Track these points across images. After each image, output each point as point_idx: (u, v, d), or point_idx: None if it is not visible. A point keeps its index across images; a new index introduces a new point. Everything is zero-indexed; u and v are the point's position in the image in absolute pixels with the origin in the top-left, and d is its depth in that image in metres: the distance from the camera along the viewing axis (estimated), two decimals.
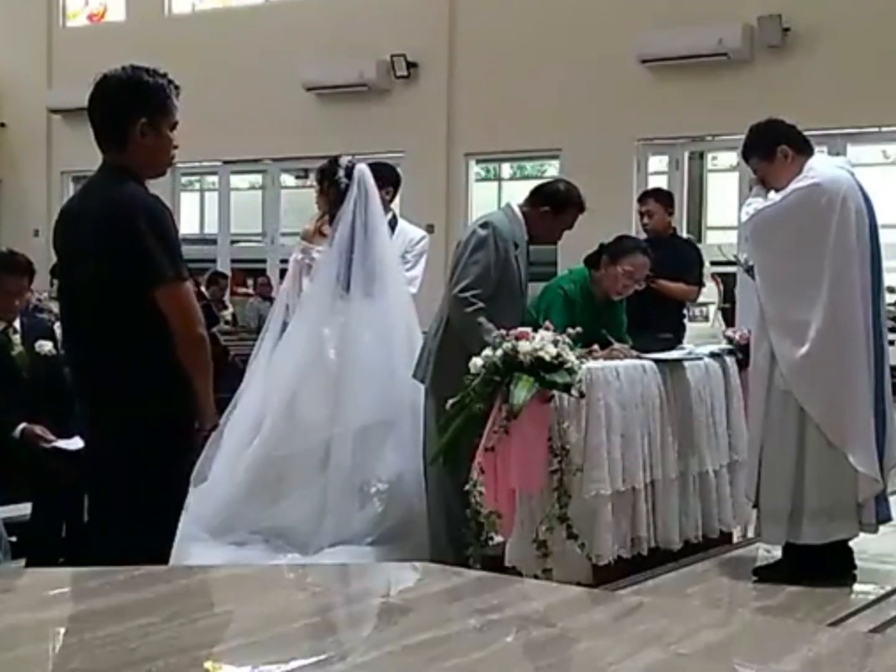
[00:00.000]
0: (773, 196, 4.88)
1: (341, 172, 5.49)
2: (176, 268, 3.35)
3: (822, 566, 4.79)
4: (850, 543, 4.92)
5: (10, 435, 4.98)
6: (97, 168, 3.57)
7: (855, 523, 4.77)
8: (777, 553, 5.01)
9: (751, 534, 5.40)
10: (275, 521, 5.26)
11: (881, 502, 4.82)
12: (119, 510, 3.48)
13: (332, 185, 5.54)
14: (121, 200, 3.40)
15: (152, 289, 3.32)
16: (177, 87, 3.51)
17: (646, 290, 5.89)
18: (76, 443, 4.87)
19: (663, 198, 6.97)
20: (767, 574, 4.88)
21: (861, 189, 4.84)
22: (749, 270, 4.98)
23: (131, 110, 3.43)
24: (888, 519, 4.87)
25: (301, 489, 5.29)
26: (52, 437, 5.01)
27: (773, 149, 4.84)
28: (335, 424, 5.29)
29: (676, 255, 6.61)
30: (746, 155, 4.97)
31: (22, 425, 4.99)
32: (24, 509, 5.30)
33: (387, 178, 5.93)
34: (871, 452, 4.70)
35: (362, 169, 5.54)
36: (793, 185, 4.74)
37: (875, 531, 4.85)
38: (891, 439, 4.81)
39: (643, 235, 6.96)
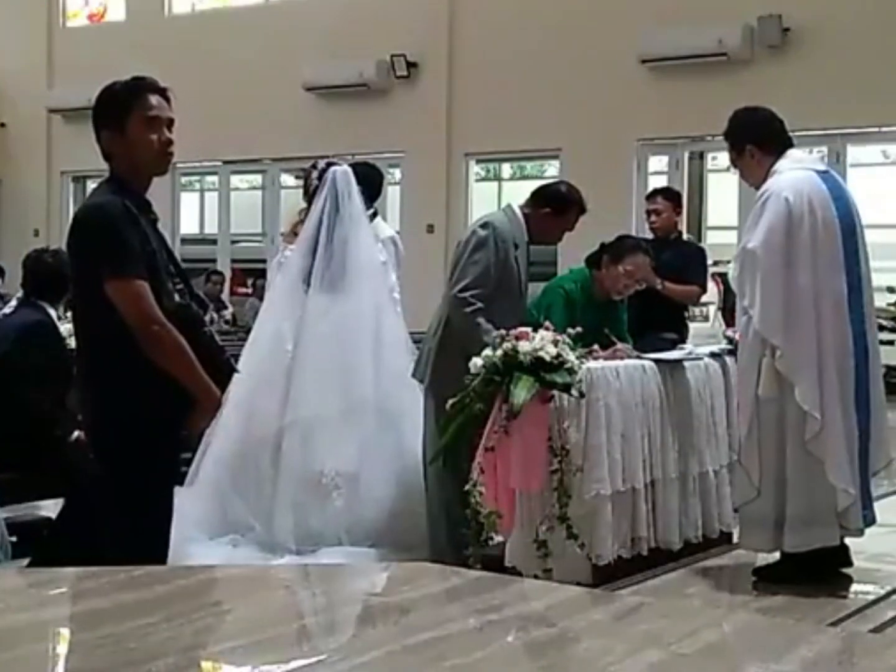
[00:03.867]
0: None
1: (314, 174, 5.60)
2: (117, 265, 3.42)
3: (821, 566, 4.78)
4: (849, 543, 4.92)
5: (68, 440, 4.97)
6: None
7: (834, 530, 4.70)
8: (777, 553, 5.01)
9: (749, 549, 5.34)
10: (235, 516, 5.32)
11: (867, 506, 4.77)
12: (103, 509, 3.57)
13: (306, 188, 5.69)
14: (84, 207, 3.63)
15: (103, 286, 3.42)
16: (139, 82, 3.57)
17: (651, 291, 5.89)
18: None
19: (672, 196, 6.89)
20: (767, 574, 4.87)
21: (835, 189, 4.72)
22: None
23: (97, 127, 3.60)
24: (873, 522, 4.83)
25: (255, 482, 5.36)
26: None
27: (742, 146, 4.79)
28: (285, 416, 5.36)
29: (682, 257, 6.59)
30: (724, 137, 4.92)
31: (77, 433, 5.00)
32: (26, 509, 5.32)
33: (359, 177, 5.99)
34: (842, 464, 4.60)
35: (337, 171, 5.59)
36: (764, 205, 4.62)
37: (861, 535, 4.80)
38: (877, 443, 4.77)
39: (649, 235, 6.94)
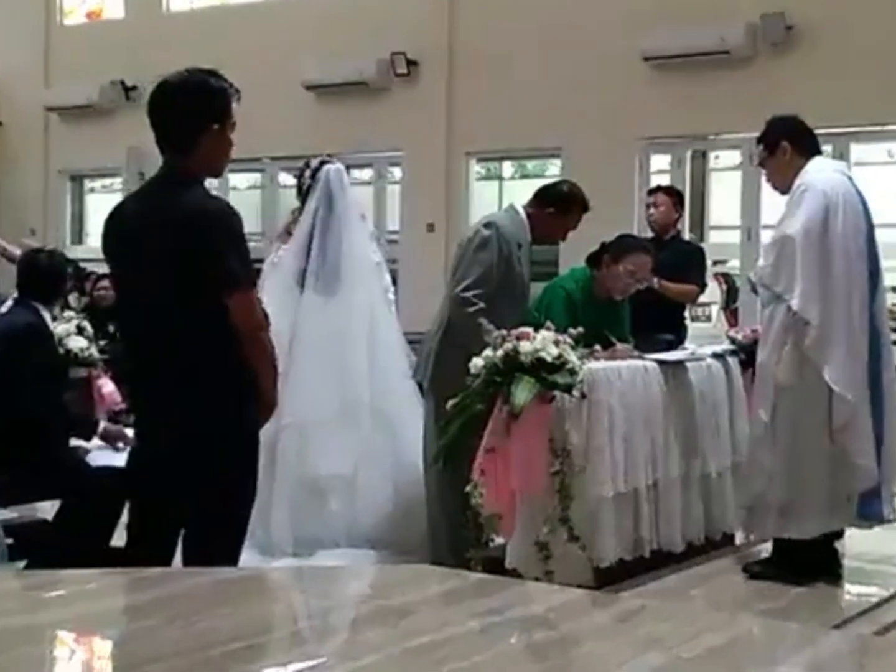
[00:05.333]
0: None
1: (307, 173, 5.57)
2: (249, 274, 3.41)
3: (811, 564, 4.77)
4: (855, 543, 4.91)
5: (66, 441, 4.96)
6: (159, 169, 3.53)
7: (848, 517, 4.76)
8: (768, 552, 5.01)
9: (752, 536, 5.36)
10: None
11: (883, 502, 4.79)
12: (195, 516, 3.48)
13: (299, 187, 5.64)
14: (194, 205, 3.40)
15: (226, 294, 3.33)
16: (237, 91, 3.58)
17: (647, 291, 5.87)
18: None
19: (673, 193, 6.93)
20: (757, 570, 4.89)
21: (858, 192, 4.86)
22: (753, 288, 5.02)
23: (202, 116, 3.47)
24: (889, 520, 4.85)
25: None
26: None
27: (776, 142, 4.92)
28: (281, 418, 5.30)
29: (680, 256, 6.58)
30: (758, 141, 5.07)
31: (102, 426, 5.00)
32: (23, 511, 5.30)
33: None
34: (870, 444, 4.67)
35: (330, 169, 5.57)
36: (801, 196, 4.72)
37: (870, 527, 4.84)
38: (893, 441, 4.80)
39: (648, 232, 6.94)
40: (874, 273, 4.82)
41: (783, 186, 4.90)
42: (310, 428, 5.34)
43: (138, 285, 3.49)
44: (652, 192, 7.00)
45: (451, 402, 4.53)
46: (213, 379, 3.39)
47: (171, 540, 3.53)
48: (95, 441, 4.98)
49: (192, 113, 3.46)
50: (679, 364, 5.25)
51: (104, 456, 4.96)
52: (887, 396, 4.80)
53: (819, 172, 4.82)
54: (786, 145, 4.87)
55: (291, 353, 5.40)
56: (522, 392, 4.37)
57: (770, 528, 4.84)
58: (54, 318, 5.42)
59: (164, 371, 3.46)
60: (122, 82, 13.72)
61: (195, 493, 3.43)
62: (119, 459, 4.90)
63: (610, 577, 4.64)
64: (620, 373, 4.85)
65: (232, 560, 3.42)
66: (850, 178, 4.93)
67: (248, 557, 5.06)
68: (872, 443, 4.70)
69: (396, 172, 13.19)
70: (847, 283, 4.68)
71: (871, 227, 4.85)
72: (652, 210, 6.75)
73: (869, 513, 4.79)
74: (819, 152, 4.99)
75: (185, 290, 3.36)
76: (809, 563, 4.77)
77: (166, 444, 3.47)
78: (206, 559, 3.23)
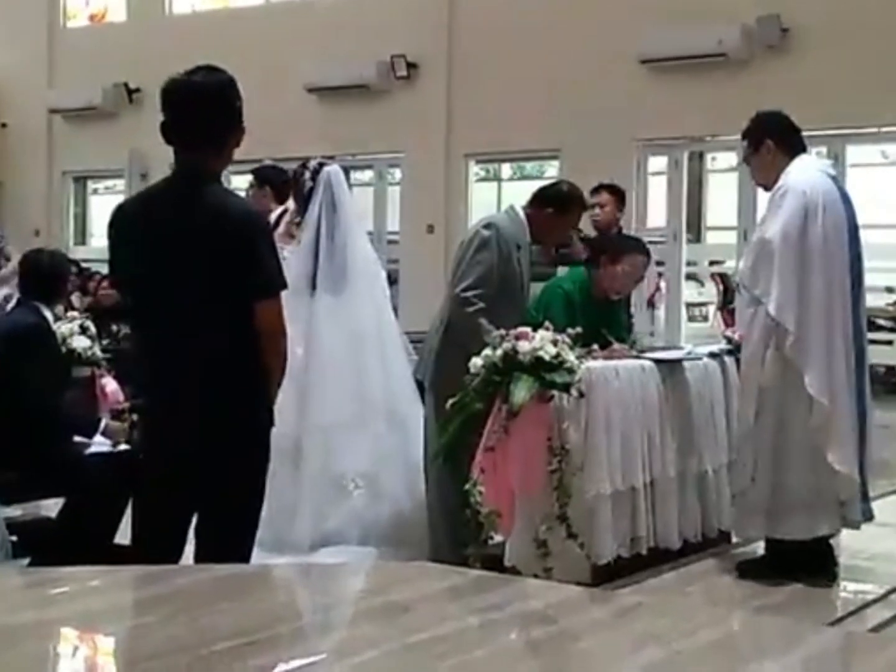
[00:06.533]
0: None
1: (307, 175, 5.55)
2: (283, 280, 3.40)
3: (803, 562, 4.79)
4: (850, 541, 4.92)
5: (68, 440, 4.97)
6: (177, 167, 3.46)
7: (836, 519, 4.76)
8: (761, 550, 5.02)
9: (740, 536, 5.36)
10: None
11: (865, 500, 4.81)
12: (211, 515, 3.47)
13: (299, 189, 5.62)
14: (234, 208, 3.40)
15: (259, 297, 3.33)
16: None
17: None
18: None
19: (616, 192, 6.89)
20: (750, 569, 4.90)
21: (842, 192, 4.86)
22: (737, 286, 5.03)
23: (233, 115, 3.44)
24: (871, 517, 4.86)
25: (273, 485, 5.32)
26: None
27: (761, 141, 4.90)
28: (304, 421, 5.30)
29: None
30: (743, 137, 5.04)
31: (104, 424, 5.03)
32: (26, 509, 5.32)
33: (268, 179, 6.14)
34: (850, 453, 4.67)
35: (330, 170, 5.58)
36: (782, 198, 4.72)
37: (858, 528, 4.84)
38: (871, 440, 4.82)
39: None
40: (857, 274, 4.79)
41: (767, 183, 4.89)
42: (333, 428, 5.35)
43: (164, 285, 3.40)
44: (595, 191, 6.83)
45: (450, 401, 4.55)
46: (234, 378, 3.37)
47: (178, 538, 3.52)
48: (97, 438, 4.99)
49: (225, 112, 3.43)
50: (676, 363, 5.26)
51: (96, 446, 4.98)
52: (868, 398, 4.82)
53: (801, 173, 4.79)
54: (770, 143, 4.85)
55: (310, 356, 5.38)
56: (521, 391, 4.39)
57: (759, 528, 4.84)
58: (57, 318, 5.43)
59: (186, 369, 3.41)
60: (126, 84, 13.73)
61: (213, 493, 3.41)
62: (107, 448, 4.95)
63: (608, 574, 4.65)
64: (618, 372, 4.87)
65: (245, 557, 3.43)
66: (834, 178, 4.92)
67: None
68: (854, 449, 4.69)
69: (396, 174, 13.21)
70: (826, 286, 4.67)
71: (854, 228, 4.83)
72: (597, 210, 6.69)
73: (867, 514, 4.81)
74: (804, 150, 4.95)
75: (217, 292, 3.33)
76: (802, 563, 4.78)
77: (186, 442, 3.41)
78: (222, 557, 3.21)
